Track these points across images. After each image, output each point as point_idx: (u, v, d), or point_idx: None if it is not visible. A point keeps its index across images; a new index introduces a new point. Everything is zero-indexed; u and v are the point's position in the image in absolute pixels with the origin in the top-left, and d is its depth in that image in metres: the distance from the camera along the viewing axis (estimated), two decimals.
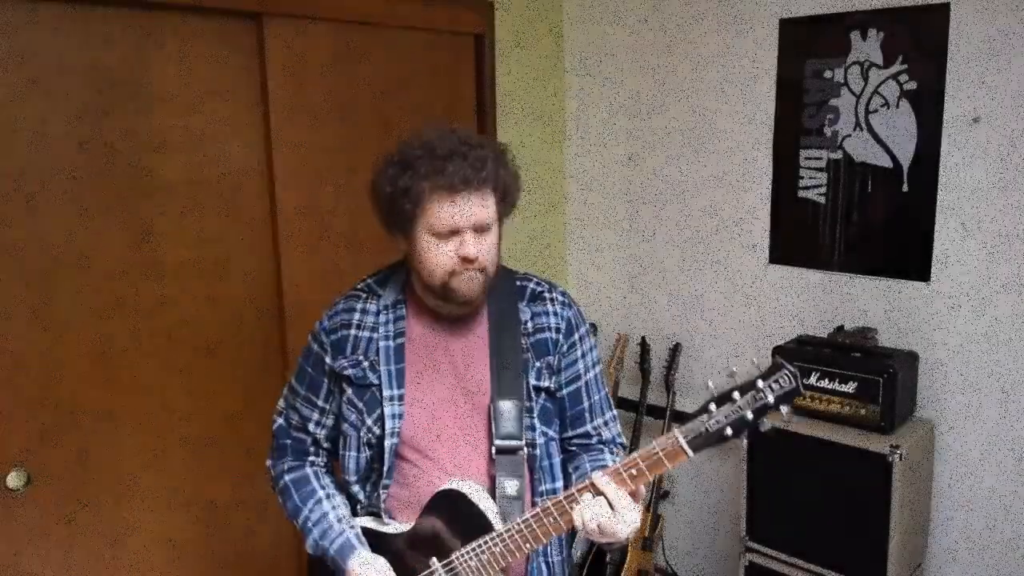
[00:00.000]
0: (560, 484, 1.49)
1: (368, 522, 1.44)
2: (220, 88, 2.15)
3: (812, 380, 2.39)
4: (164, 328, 2.10)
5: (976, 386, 2.36)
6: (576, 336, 1.49)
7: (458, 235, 1.32)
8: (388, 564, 1.38)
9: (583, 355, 1.50)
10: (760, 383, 1.18)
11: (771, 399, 1.17)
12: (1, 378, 1.84)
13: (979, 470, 2.39)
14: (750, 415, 1.18)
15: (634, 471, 1.25)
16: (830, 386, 2.37)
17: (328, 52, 2.36)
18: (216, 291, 2.20)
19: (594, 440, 1.54)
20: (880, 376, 2.27)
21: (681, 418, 2.91)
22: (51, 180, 1.87)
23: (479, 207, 1.31)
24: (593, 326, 3.18)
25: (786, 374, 1.17)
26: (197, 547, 2.23)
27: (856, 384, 2.32)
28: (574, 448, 1.53)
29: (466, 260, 1.32)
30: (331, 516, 1.42)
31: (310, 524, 1.42)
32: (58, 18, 1.85)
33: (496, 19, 2.82)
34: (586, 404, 1.52)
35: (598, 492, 1.25)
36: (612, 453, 1.53)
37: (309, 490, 1.46)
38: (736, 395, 1.19)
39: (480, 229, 1.33)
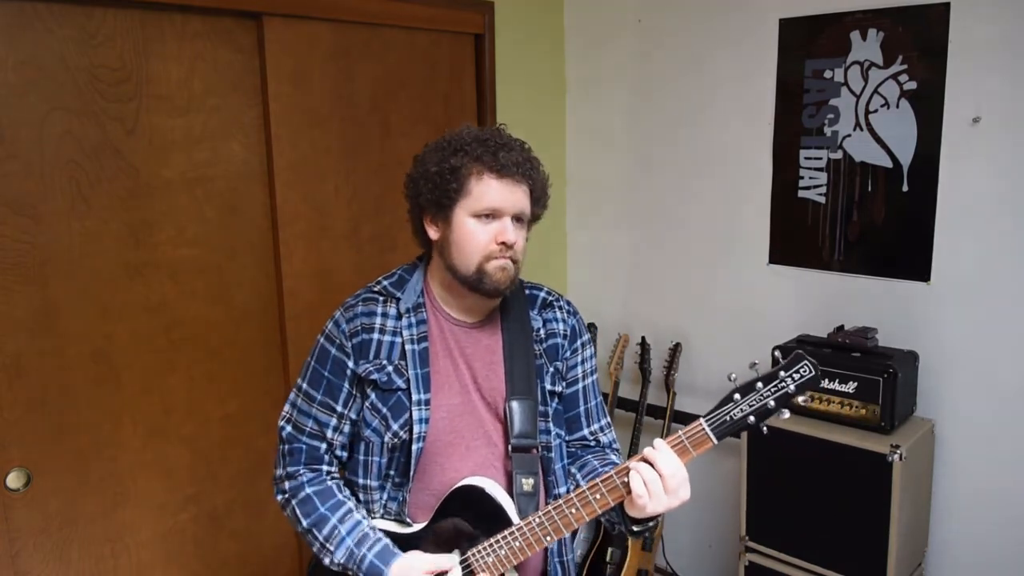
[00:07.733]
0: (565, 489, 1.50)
1: (386, 524, 1.44)
2: (220, 88, 2.15)
3: None
4: (164, 328, 2.10)
5: (976, 386, 2.36)
6: (579, 342, 1.55)
7: (498, 220, 1.36)
8: (423, 554, 1.38)
9: (583, 360, 1.55)
10: (782, 373, 1.25)
11: (792, 387, 1.24)
12: (1, 378, 1.84)
13: (979, 470, 2.39)
14: (772, 403, 1.25)
15: None
16: (830, 386, 2.37)
17: (328, 52, 2.36)
18: (216, 291, 2.20)
19: (592, 444, 1.57)
20: (880, 376, 2.27)
21: (681, 418, 2.93)
22: (51, 180, 1.87)
23: (522, 195, 1.38)
24: (593, 326, 3.18)
25: (806, 364, 1.24)
26: (197, 547, 2.23)
27: (856, 384, 2.32)
28: (574, 450, 1.56)
29: (504, 245, 1.35)
30: (364, 525, 1.40)
31: (343, 533, 1.39)
32: (58, 18, 1.85)
33: (496, 19, 2.82)
34: (582, 408, 1.55)
35: (649, 461, 1.30)
36: (616, 454, 1.56)
37: (336, 501, 1.43)
38: (759, 384, 1.25)
39: (519, 219, 1.39)
